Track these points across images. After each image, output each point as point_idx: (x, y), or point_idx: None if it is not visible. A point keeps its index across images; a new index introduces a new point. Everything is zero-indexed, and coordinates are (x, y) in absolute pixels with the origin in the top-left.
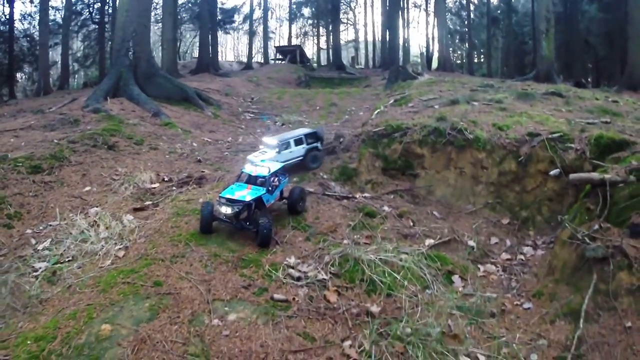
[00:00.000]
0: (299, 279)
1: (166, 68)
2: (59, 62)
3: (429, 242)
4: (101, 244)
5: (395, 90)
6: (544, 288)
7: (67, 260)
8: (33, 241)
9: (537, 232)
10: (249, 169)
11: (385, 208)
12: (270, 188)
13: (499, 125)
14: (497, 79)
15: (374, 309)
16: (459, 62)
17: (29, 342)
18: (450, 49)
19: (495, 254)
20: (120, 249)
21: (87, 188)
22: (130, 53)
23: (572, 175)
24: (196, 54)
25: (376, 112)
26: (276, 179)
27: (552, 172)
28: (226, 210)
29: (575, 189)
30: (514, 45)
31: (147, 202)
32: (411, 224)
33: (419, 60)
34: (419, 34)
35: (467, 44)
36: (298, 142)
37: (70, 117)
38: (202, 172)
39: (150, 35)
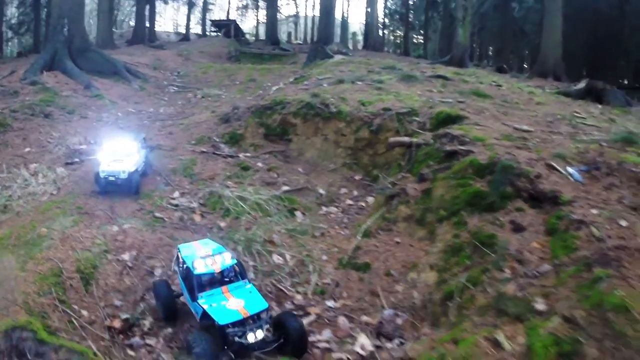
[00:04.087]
0: (176, 206)
1: (101, 39)
2: None
3: (285, 188)
4: (40, 187)
5: (311, 69)
6: (363, 223)
7: (15, 199)
8: None
9: None
10: (201, 267)
11: (259, 164)
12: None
13: (363, 102)
14: (422, 61)
15: (223, 224)
16: (398, 42)
17: None
18: (390, 28)
19: (341, 200)
20: (54, 189)
21: (28, 149)
22: (65, 30)
23: (390, 139)
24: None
25: (275, 88)
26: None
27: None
28: (257, 335)
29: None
30: (450, 29)
31: (76, 159)
32: (276, 175)
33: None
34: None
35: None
36: (143, 142)
37: (10, 89)
38: None
39: (84, 13)
